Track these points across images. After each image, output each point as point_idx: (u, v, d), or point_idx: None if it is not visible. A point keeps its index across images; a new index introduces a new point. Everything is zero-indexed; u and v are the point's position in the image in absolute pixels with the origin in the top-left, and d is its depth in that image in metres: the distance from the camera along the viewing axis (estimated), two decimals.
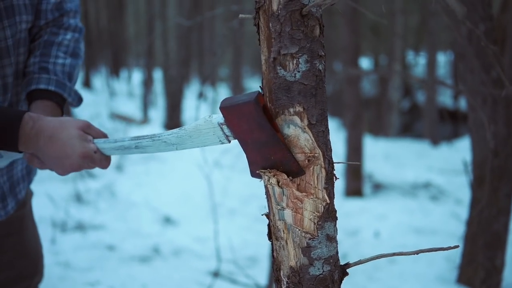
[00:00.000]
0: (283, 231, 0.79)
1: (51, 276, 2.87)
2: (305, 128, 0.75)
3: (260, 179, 0.81)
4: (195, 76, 19.46)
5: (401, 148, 8.38)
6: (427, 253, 3.11)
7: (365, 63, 15.58)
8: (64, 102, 1.20)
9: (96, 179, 4.99)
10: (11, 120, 0.96)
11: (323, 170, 0.77)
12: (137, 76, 17.61)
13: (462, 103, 11.81)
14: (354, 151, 5.31)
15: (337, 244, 0.81)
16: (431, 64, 10.36)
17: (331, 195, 0.79)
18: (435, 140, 9.37)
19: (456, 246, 0.76)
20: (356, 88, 5.38)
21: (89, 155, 0.97)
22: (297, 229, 0.78)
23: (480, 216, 2.78)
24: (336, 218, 0.80)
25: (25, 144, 0.96)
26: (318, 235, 0.78)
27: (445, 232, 4.06)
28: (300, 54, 0.73)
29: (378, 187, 5.69)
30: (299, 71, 0.73)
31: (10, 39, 1.14)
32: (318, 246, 0.78)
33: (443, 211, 4.70)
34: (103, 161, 1.00)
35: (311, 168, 0.77)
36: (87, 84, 14.93)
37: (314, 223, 0.77)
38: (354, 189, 5.31)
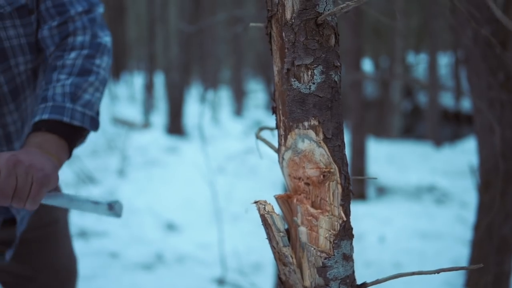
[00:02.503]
0: (290, 256, 0.75)
1: None
2: (320, 143, 0.72)
3: None
4: (196, 79, 19.45)
5: (404, 150, 8.34)
6: (433, 258, 3.07)
7: (366, 64, 15.56)
8: (68, 127, 1.03)
9: (98, 185, 4.96)
10: None
11: (339, 186, 0.73)
12: (138, 80, 17.63)
13: (464, 104, 11.76)
14: (358, 155, 5.28)
15: (353, 263, 0.77)
16: (433, 65, 10.32)
17: (347, 212, 0.75)
18: (438, 142, 9.33)
19: (479, 265, 0.73)
20: (359, 91, 5.35)
21: None
22: (312, 248, 0.74)
23: (488, 221, 2.74)
24: (353, 236, 0.76)
25: None
26: (334, 255, 0.74)
27: (450, 236, 4.01)
28: (315, 65, 0.70)
29: (382, 191, 5.65)
30: (314, 83, 0.70)
31: (5, 85, 1.05)
32: (334, 266, 0.74)
33: (448, 214, 4.66)
34: None
35: (326, 184, 0.73)
36: None
37: (330, 242, 0.74)
38: (358, 193, 5.27)
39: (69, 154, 1.05)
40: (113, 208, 1.02)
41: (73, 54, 1.11)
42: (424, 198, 5.40)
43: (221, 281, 2.97)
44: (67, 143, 1.04)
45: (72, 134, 1.04)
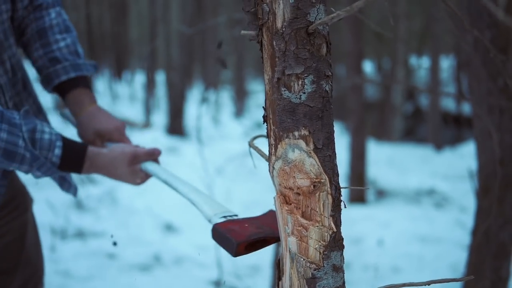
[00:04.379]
0: None
1: (50, 285, 2.83)
2: (310, 153, 0.71)
3: None
4: (198, 79, 19.43)
5: (404, 153, 8.32)
6: (432, 262, 3.05)
7: (368, 66, 15.55)
8: (87, 79, 1.29)
9: (97, 185, 4.95)
10: (74, 164, 1.15)
11: (329, 196, 0.73)
12: (139, 79, 17.65)
13: (465, 108, 11.73)
14: (358, 157, 5.27)
15: (343, 274, 0.76)
16: (434, 68, 10.30)
17: (338, 223, 0.74)
18: (439, 145, 9.31)
19: (470, 277, 0.72)
20: (360, 94, 5.34)
21: (137, 184, 1.23)
22: (302, 259, 0.74)
23: (486, 226, 2.73)
24: (343, 247, 0.76)
25: (87, 173, 1.20)
26: (323, 266, 0.73)
27: (449, 240, 4.00)
28: (305, 75, 0.69)
29: (381, 194, 5.64)
30: (304, 93, 0.69)
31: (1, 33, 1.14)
32: (324, 277, 0.73)
33: (447, 218, 4.65)
34: (146, 178, 1.24)
35: (317, 195, 0.72)
36: None
37: (320, 253, 0.73)
38: (357, 196, 5.26)
39: None
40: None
41: (53, 14, 1.28)
42: (424, 201, 5.39)
43: (217, 283, 2.97)
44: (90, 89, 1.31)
45: (90, 83, 1.31)
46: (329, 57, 0.71)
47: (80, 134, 1.29)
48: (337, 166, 0.74)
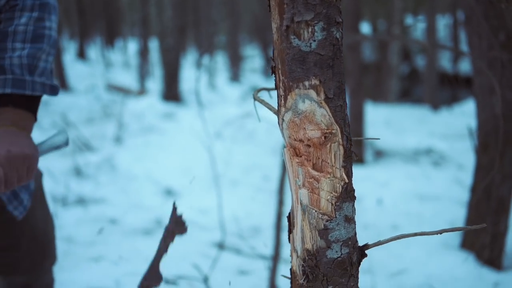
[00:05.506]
0: None
1: None
2: (321, 103, 0.69)
3: None
4: (192, 45, 19.16)
5: (401, 114, 8.32)
6: (431, 219, 3.07)
7: (364, 27, 15.33)
8: (29, 98, 1.13)
9: (95, 153, 4.94)
10: None
11: (341, 147, 0.72)
12: (132, 46, 17.37)
13: (462, 67, 11.67)
14: (356, 119, 5.25)
15: (355, 225, 0.76)
16: (431, 27, 10.17)
17: (349, 174, 0.73)
18: (435, 105, 9.30)
19: (483, 225, 0.72)
20: (357, 55, 5.27)
21: None
22: (314, 210, 0.73)
23: (485, 182, 2.75)
24: (355, 198, 0.75)
25: None
26: (336, 217, 0.73)
27: (448, 198, 4.04)
28: (315, 21, 0.66)
29: (379, 154, 5.66)
30: (314, 40, 0.67)
31: None
32: (336, 228, 0.73)
33: (445, 177, 4.69)
34: None
35: (328, 146, 0.71)
36: (81, 55, 14.71)
37: (332, 204, 0.73)
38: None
39: (34, 120, 1.16)
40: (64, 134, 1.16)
41: (24, 19, 1.15)
42: (422, 161, 5.42)
43: (221, 245, 3.00)
44: (32, 113, 1.14)
45: (35, 103, 1.15)
46: (339, 3, 0.68)
47: None
48: (348, 116, 0.73)
